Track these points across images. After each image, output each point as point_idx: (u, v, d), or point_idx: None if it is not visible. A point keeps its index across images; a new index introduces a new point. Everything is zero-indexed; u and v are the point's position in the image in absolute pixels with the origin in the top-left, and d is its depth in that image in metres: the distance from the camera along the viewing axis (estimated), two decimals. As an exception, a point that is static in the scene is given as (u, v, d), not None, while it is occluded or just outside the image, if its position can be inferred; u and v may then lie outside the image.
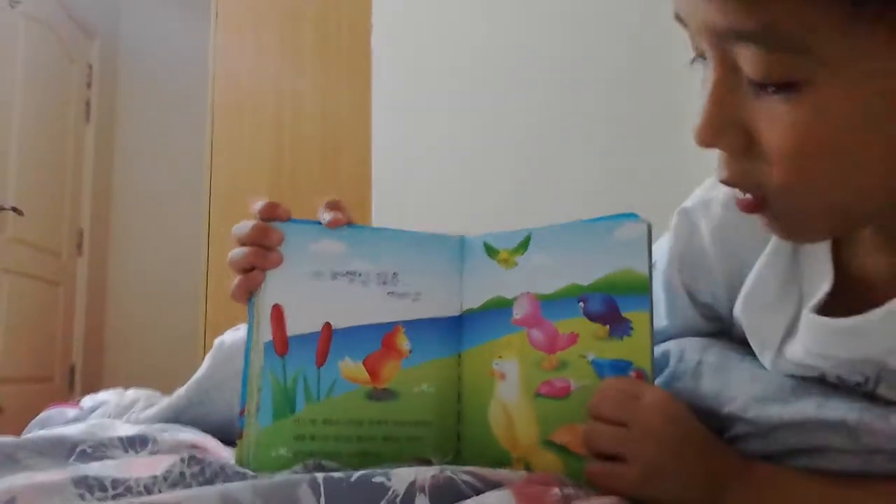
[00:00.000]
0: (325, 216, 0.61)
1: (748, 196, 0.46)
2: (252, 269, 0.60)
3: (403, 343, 0.61)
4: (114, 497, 0.49)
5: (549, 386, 0.59)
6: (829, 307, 0.51)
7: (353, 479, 0.47)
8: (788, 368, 0.55)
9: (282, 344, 0.59)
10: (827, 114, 0.40)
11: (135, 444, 0.64)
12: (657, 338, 0.62)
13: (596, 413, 0.53)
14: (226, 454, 0.64)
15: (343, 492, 0.45)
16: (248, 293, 0.60)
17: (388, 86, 1.94)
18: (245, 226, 0.60)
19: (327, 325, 0.60)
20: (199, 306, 2.25)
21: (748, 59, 0.41)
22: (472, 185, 1.82)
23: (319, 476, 0.46)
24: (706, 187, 0.62)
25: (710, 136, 0.44)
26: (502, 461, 0.59)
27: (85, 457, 0.60)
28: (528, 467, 0.58)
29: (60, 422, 0.89)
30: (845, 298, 0.51)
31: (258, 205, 0.61)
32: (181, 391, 0.83)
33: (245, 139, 2.25)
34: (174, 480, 0.53)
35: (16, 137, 3.07)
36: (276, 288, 0.59)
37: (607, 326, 0.57)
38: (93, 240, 3.64)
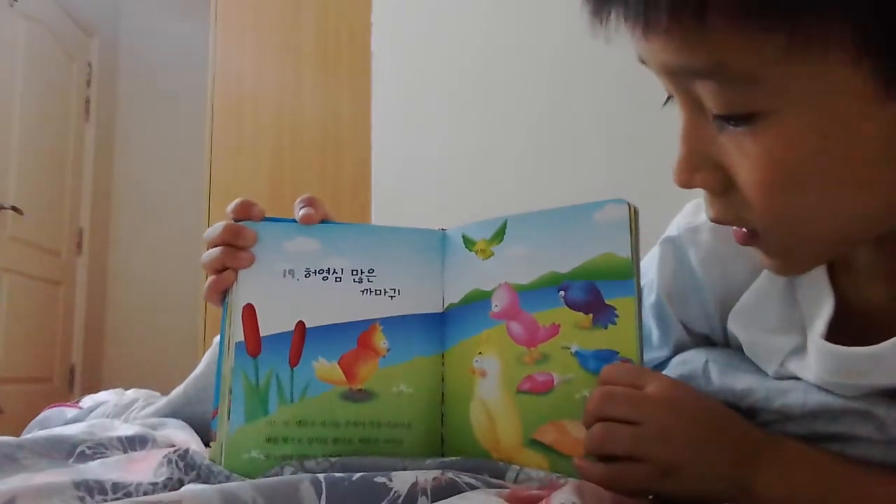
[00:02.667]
0: (298, 213, 0.60)
1: (742, 230, 0.47)
2: (224, 269, 0.59)
3: (381, 342, 0.59)
4: (114, 499, 0.49)
5: (531, 381, 0.55)
6: (832, 332, 0.50)
7: (354, 478, 0.47)
8: (791, 397, 0.54)
9: (254, 344, 0.57)
10: (792, 143, 0.40)
11: (134, 444, 0.64)
12: (653, 367, 0.62)
13: (601, 413, 0.49)
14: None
15: (345, 490, 0.45)
16: (220, 294, 0.60)
17: (388, 86, 1.94)
18: (217, 227, 0.60)
19: (300, 323, 0.58)
20: (199, 306, 2.25)
21: (707, 94, 0.42)
22: (473, 185, 1.82)
23: (321, 475, 0.46)
24: (687, 213, 0.61)
25: (686, 176, 0.45)
26: None
27: (84, 457, 0.60)
28: None
29: (60, 422, 0.89)
30: (846, 324, 0.50)
31: (231, 205, 0.60)
32: (179, 389, 0.83)
33: (245, 139, 2.25)
34: (173, 487, 0.53)
35: (15, 136, 3.07)
36: (247, 287, 0.58)
37: (590, 315, 0.54)
38: (93, 239, 3.64)
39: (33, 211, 3.13)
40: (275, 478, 0.49)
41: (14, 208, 3.01)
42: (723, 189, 0.44)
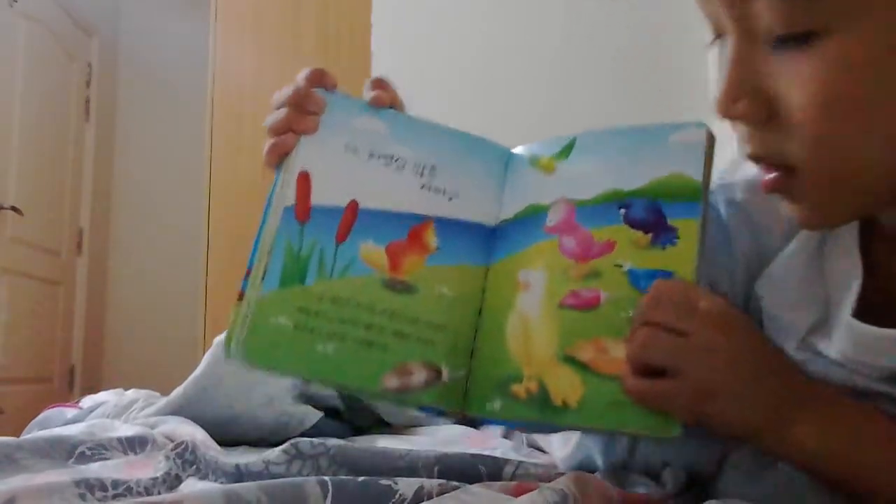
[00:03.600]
0: (368, 94, 0.58)
1: (773, 174, 0.45)
2: (287, 132, 0.57)
3: (431, 239, 0.57)
4: (114, 497, 0.49)
5: (575, 296, 0.52)
6: (858, 308, 0.49)
7: (360, 479, 0.47)
8: (814, 363, 0.53)
9: (303, 211, 0.55)
10: (848, 64, 0.40)
11: (134, 444, 0.64)
12: None
13: (649, 318, 0.47)
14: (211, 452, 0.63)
15: (351, 491, 0.45)
16: (279, 157, 0.57)
17: (388, 86, 1.94)
18: (287, 89, 0.58)
19: (353, 202, 0.56)
20: (199, 306, 2.25)
21: (766, 11, 0.41)
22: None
23: (327, 476, 0.47)
24: (723, 171, 0.60)
25: (731, 102, 0.44)
26: (513, 378, 0.53)
27: (84, 458, 0.60)
28: (542, 385, 0.52)
29: (59, 422, 0.89)
30: (872, 300, 0.49)
31: (305, 71, 0.58)
32: (179, 390, 0.83)
33: (245, 139, 2.25)
34: (171, 483, 0.53)
35: (15, 136, 3.07)
36: (307, 154, 0.56)
37: (649, 235, 0.51)
38: (93, 239, 3.64)
39: (33, 211, 3.13)
40: (280, 479, 0.48)
41: (14, 208, 3.01)
42: (765, 119, 0.43)
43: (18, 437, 0.67)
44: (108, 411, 0.90)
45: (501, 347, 0.55)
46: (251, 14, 2.30)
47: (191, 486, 0.53)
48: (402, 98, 0.60)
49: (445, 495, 0.45)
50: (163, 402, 0.85)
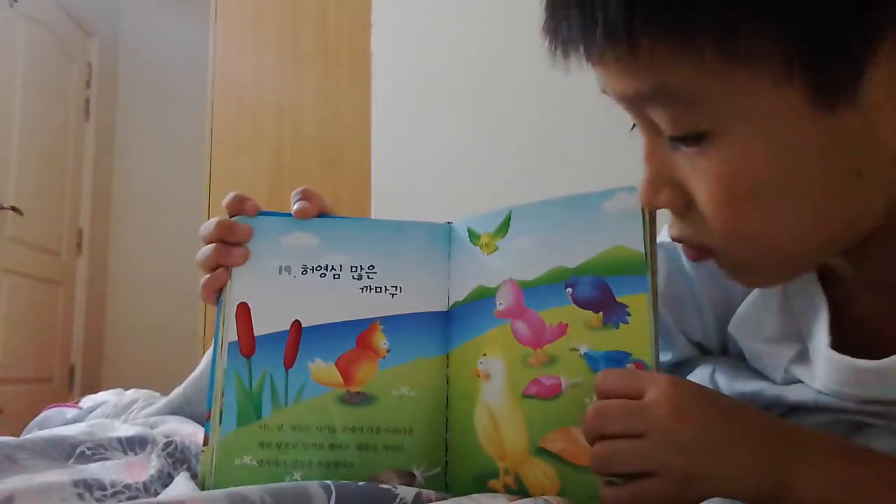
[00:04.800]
0: (294, 206, 0.58)
1: (694, 250, 0.47)
2: (218, 267, 0.57)
3: (381, 342, 0.56)
4: (113, 496, 0.49)
5: (537, 385, 0.52)
6: (835, 340, 0.49)
7: (361, 483, 0.47)
8: (800, 393, 0.53)
9: (248, 344, 0.55)
10: (740, 159, 0.41)
11: (134, 444, 0.64)
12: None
13: (599, 432, 0.45)
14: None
15: (353, 494, 0.45)
16: (215, 293, 0.58)
17: (388, 86, 1.93)
18: (210, 223, 0.58)
19: (296, 322, 0.56)
20: (199, 306, 2.25)
21: (658, 117, 0.43)
22: (473, 185, 1.82)
23: (330, 481, 0.47)
24: None
25: (650, 197, 0.46)
26: (489, 473, 0.53)
27: (84, 458, 0.60)
28: (517, 480, 0.51)
29: (59, 422, 0.89)
30: (848, 331, 0.50)
31: (225, 199, 0.59)
32: (179, 390, 0.83)
33: (245, 139, 2.25)
34: (165, 481, 0.53)
35: (15, 136, 3.07)
36: (242, 285, 0.56)
37: (600, 314, 0.50)
38: (92, 239, 3.64)
39: (33, 211, 3.13)
40: (282, 483, 0.48)
41: (14, 208, 3.01)
42: (684, 208, 0.45)
43: (18, 437, 0.67)
44: (108, 411, 0.90)
45: (473, 441, 0.54)
46: (251, 14, 2.30)
47: (181, 482, 0.53)
48: (329, 204, 0.60)
49: (448, 500, 0.45)
50: (163, 402, 0.84)
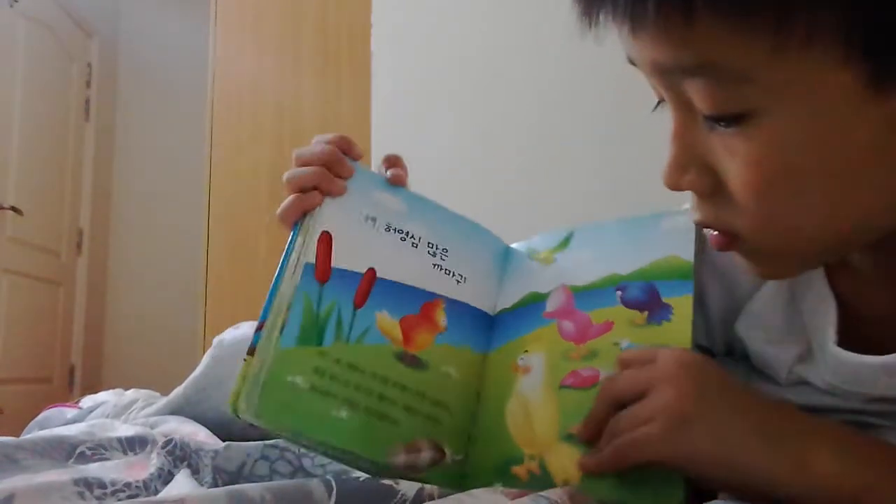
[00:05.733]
0: (387, 172, 0.60)
1: (720, 236, 0.46)
2: (311, 189, 0.56)
3: (441, 317, 0.57)
4: (113, 494, 0.50)
5: (574, 376, 0.53)
6: (841, 338, 0.50)
7: (362, 479, 0.48)
8: (805, 395, 0.53)
9: (324, 271, 0.54)
10: (782, 143, 0.39)
11: (134, 444, 0.64)
12: None
13: (612, 395, 0.48)
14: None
15: (354, 490, 0.46)
16: (299, 214, 0.56)
17: (388, 86, 1.94)
18: (316, 147, 0.58)
19: (371, 270, 0.56)
20: (199, 306, 2.25)
21: (696, 93, 0.41)
22: (473, 185, 1.82)
23: (330, 475, 0.47)
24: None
25: (675, 177, 0.44)
26: (514, 459, 0.53)
27: (84, 458, 0.60)
28: (542, 465, 0.52)
29: (59, 422, 0.89)
30: (853, 329, 0.50)
31: (331, 135, 0.59)
32: (179, 390, 0.83)
33: (245, 139, 2.25)
34: (165, 479, 0.53)
35: (15, 136, 3.07)
36: (331, 216, 0.56)
37: (645, 313, 0.53)
38: (92, 240, 3.64)
39: (33, 211, 3.13)
40: (283, 481, 0.49)
41: (14, 208, 3.01)
42: (711, 191, 0.44)
43: (18, 437, 0.67)
44: (107, 411, 0.90)
45: (502, 431, 0.54)
46: (251, 14, 2.30)
47: (182, 480, 0.53)
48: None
49: (448, 497, 0.45)
50: (163, 402, 0.85)
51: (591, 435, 0.49)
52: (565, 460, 0.50)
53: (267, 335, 0.51)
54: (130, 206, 3.82)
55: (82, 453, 0.61)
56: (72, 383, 3.47)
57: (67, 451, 0.61)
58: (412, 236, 0.59)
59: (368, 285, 0.56)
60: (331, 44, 2.20)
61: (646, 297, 0.53)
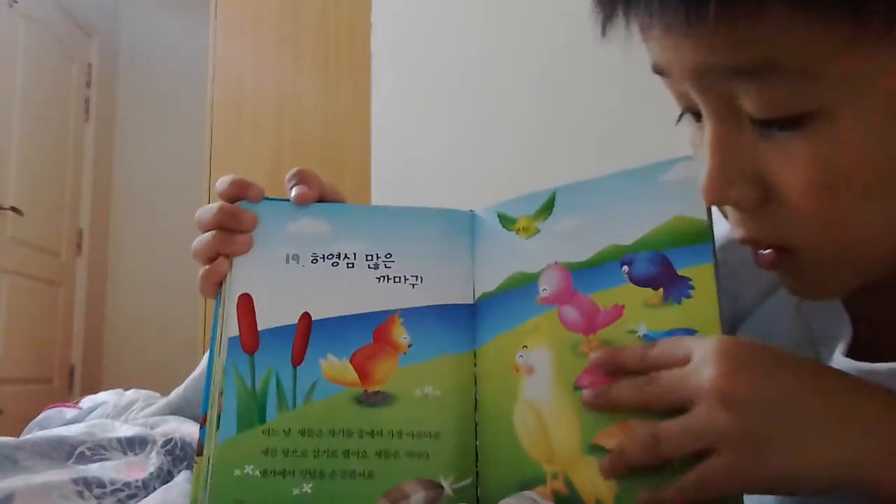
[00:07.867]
0: (291, 192, 0.53)
1: (770, 254, 0.41)
2: (217, 257, 0.52)
3: (401, 336, 0.50)
4: (112, 493, 0.50)
5: (591, 374, 0.45)
6: (847, 351, 0.47)
7: None
8: None
9: (250, 339, 0.49)
10: (847, 143, 0.36)
11: (134, 445, 0.64)
12: None
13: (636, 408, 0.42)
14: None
15: None
16: (215, 286, 0.52)
17: (388, 86, 1.93)
18: (209, 208, 0.52)
19: (305, 315, 0.50)
20: (199, 306, 2.25)
21: (749, 96, 0.37)
22: (473, 185, 1.82)
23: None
24: None
25: (720, 192, 0.40)
26: (534, 479, 0.46)
27: (84, 458, 0.60)
28: (569, 484, 0.45)
29: (59, 422, 0.89)
30: (860, 336, 0.48)
31: (223, 183, 0.53)
32: (178, 391, 0.83)
33: (245, 139, 2.25)
34: (164, 479, 0.53)
35: (15, 136, 3.07)
36: (244, 276, 0.51)
37: (660, 290, 0.45)
38: (92, 240, 3.64)
39: (33, 211, 3.13)
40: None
41: (14, 209, 3.01)
42: (759, 203, 0.39)
43: (18, 437, 0.67)
44: (107, 411, 0.90)
45: (512, 445, 0.47)
46: (251, 14, 2.30)
47: (181, 482, 0.53)
48: (329, 184, 0.54)
49: None
50: (163, 402, 0.84)
51: (625, 471, 0.42)
52: (594, 475, 0.43)
53: (209, 429, 0.48)
54: (130, 206, 3.82)
55: (82, 453, 0.61)
56: (72, 383, 3.47)
57: (67, 451, 0.61)
58: (345, 256, 0.52)
59: (304, 335, 0.50)
60: (331, 44, 2.20)
61: (657, 271, 0.45)
